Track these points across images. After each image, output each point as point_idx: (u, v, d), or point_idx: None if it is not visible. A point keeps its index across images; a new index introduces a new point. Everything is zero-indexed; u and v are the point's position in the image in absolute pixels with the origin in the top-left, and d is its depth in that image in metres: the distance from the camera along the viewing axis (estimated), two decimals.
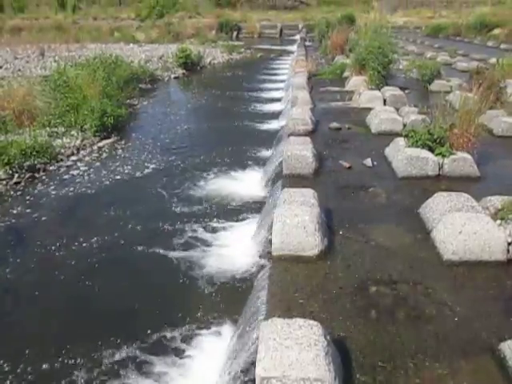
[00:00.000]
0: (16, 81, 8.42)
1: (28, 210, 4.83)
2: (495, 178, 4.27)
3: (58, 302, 3.43)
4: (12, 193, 5.25)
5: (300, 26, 29.37)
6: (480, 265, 2.81)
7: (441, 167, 4.26)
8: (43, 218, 4.67)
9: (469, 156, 4.28)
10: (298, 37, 25.64)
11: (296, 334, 1.90)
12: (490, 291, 2.59)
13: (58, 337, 3.03)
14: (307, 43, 19.59)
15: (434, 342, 2.18)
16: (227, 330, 2.97)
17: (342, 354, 2.04)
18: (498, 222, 3.02)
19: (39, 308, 3.34)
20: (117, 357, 2.79)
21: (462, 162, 4.23)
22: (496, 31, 19.78)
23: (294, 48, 19.99)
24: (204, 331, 2.99)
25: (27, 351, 2.87)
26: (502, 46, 16.50)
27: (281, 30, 30.59)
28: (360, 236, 3.19)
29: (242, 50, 20.30)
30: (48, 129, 7.08)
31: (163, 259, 3.84)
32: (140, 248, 4.05)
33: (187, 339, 2.93)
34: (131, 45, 19.84)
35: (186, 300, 3.36)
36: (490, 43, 17.94)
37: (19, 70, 12.75)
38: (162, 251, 3.94)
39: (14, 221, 4.61)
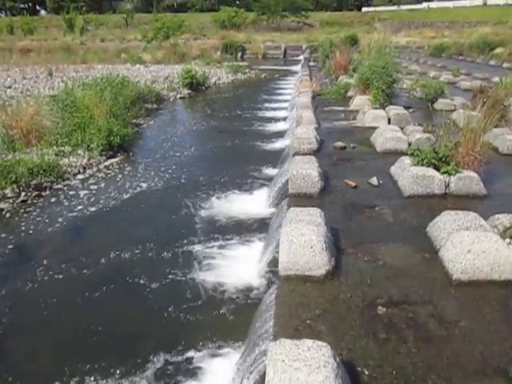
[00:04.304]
0: (24, 100, 8.54)
1: (34, 229, 4.84)
2: (502, 196, 4.25)
3: (60, 324, 3.40)
4: (18, 211, 5.28)
5: (304, 47, 29.82)
6: (489, 284, 2.78)
7: (447, 186, 4.25)
8: (48, 237, 4.68)
9: (475, 174, 4.27)
10: (301, 57, 26.00)
11: (305, 356, 1.88)
12: (501, 311, 2.55)
13: (61, 359, 3.00)
14: (311, 63, 19.82)
15: (446, 364, 2.14)
16: (234, 349, 2.93)
17: (351, 376, 2.00)
18: (507, 240, 3.00)
19: (41, 331, 3.32)
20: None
21: (468, 180, 4.22)
22: (498, 50, 19.96)
23: (297, 68, 20.25)
24: (210, 351, 2.96)
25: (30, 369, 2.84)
26: (505, 65, 16.62)
27: (285, 51, 31.07)
28: (367, 255, 3.16)
29: (247, 70, 20.57)
30: (55, 148, 7.16)
31: (169, 278, 3.82)
32: (145, 267, 4.04)
33: (193, 357, 2.90)
34: (138, 65, 20.15)
35: (191, 319, 3.33)
36: (492, 62, 18.09)
37: (28, 89, 12.95)
38: (167, 270, 3.93)
39: (19, 239, 4.62)
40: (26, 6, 68.39)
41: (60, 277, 3.93)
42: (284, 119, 10.01)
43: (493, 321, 2.46)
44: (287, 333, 2.31)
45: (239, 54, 29.66)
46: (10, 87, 13.61)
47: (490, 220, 3.35)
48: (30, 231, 4.79)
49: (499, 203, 3.98)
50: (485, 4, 48.25)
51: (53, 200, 5.65)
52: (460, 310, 2.56)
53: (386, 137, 5.73)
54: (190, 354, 2.96)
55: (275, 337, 2.27)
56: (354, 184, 4.55)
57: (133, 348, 3.04)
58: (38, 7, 70.24)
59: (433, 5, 53.19)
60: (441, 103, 8.33)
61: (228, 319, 3.30)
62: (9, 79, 15.39)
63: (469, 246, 2.85)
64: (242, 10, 46.15)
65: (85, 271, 4.02)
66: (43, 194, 5.81)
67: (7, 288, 3.78)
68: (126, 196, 5.79)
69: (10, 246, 4.49)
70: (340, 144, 5.95)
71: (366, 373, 2.09)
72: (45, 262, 4.19)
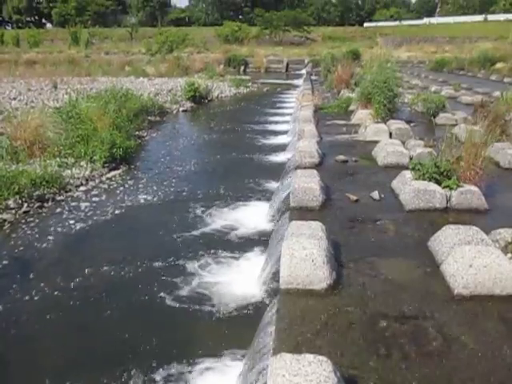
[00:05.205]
0: (29, 112, 8.61)
1: (35, 240, 4.84)
2: (504, 210, 4.25)
3: (58, 336, 3.39)
4: (21, 222, 5.29)
5: (306, 61, 30.12)
6: (492, 299, 2.77)
7: (448, 200, 4.25)
8: (50, 249, 4.68)
9: (476, 188, 4.28)
10: (303, 71, 26.24)
11: (305, 371, 1.86)
12: (503, 326, 2.53)
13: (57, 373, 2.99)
14: (313, 77, 19.98)
15: (448, 379, 2.13)
16: (235, 364, 2.91)
17: None
18: (509, 255, 3.00)
19: (40, 342, 3.31)
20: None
21: (469, 194, 4.23)
22: (499, 65, 20.13)
23: (300, 82, 20.41)
24: (210, 365, 2.94)
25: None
26: (506, 80, 16.72)
27: (287, 65, 31.38)
28: (369, 269, 3.15)
29: (249, 84, 20.72)
30: (58, 159, 7.20)
31: (169, 293, 3.81)
32: (145, 282, 4.03)
33: (194, 372, 2.88)
34: (141, 78, 20.33)
35: (191, 333, 3.31)
36: (493, 77, 18.20)
37: (32, 101, 13.05)
38: (167, 284, 3.92)
39: (20, 250, 4.63)
40: (33, 19, 69.55)
41: (58, 289, 3.93)
42: (286, 133, 10.06)
43: (495, 336, 2.45)
44: (288, 347, 2.30)
45: (242, 68, 29.97)
46: (14, 99, 13.72)
47: (492, 234, 3.35)
48: (31, 242, 4.79)
49: (501, 217, 3.98)
50: (485, 20, 48.80)
51: (55, 211, 5.67)
52: (462, 325, 2.55)
53: (387, 151, 5.76)
54: (188, 368, 2.94)
55: (276, 351, 2.26)
56: (355, 198, 4.55)
57: (131, 364, 3.03)
58: (44, 20, 71.41)
59: (434, 20, 53.88)
60: (442, 117, 8.38)
61: (228, 333, 3.28)
62: (14, 91, 15.52)
63: (470, 261, 2.84)
64: (244, 24, 46.81)
65: (84, 282, 4.01)
66: (46, 205, 5.82)
67: (5, 298, 3.77)
68: (127, 209, 5.79)
69: (11, 256, 4.49)
70: (342, 158, 5.97)
71: None
72: (44, 273, 4.18)
